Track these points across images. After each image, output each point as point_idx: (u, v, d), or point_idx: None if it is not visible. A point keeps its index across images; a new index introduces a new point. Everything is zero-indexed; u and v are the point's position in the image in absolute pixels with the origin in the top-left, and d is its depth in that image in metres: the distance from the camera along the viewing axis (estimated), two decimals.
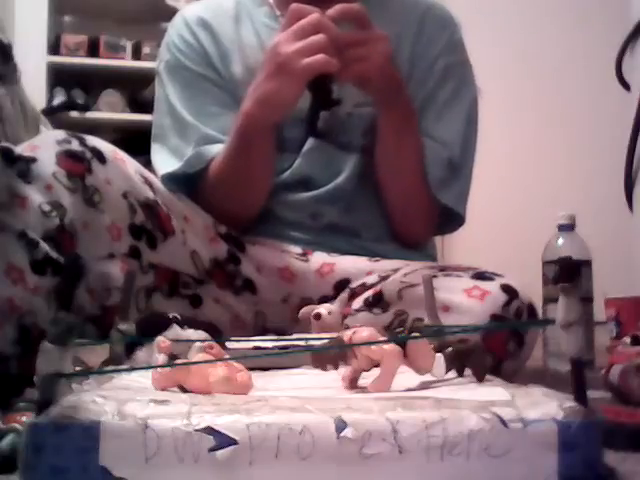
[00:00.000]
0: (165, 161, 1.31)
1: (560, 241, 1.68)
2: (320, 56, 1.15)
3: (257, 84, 1.21)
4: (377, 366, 0.70)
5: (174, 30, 1.39)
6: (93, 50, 3.23)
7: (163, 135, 1.35)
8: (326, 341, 0.80)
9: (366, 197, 1.33)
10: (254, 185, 1.29)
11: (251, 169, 1.27)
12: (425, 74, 1.35)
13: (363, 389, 0.71)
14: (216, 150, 1.29)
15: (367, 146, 1.31)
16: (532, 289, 1.20)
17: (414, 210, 1.33)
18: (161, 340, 0.76)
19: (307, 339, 0.93)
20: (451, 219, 1.37)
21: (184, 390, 0.68)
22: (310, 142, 1.32)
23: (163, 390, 0.68)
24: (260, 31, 1.36)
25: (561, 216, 1.69)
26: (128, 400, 0.57)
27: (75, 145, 1.13)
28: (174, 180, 1.29)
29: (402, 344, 0.71)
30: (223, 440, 0.53)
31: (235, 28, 1.37)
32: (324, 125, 1.30)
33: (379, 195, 1.33)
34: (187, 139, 1.31)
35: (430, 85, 1.35)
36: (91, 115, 3.21)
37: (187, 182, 1.30)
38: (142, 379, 0.72)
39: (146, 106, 2.71)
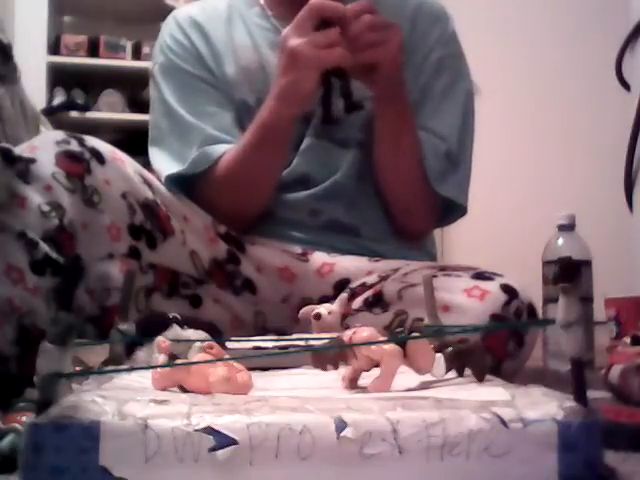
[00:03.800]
0: (167, 163, 1.31)
1: (560, 241, 1.68)
2: (334, 49, 1.16)
3: (275, 80, 1.22)
4: (377, 366, 0.70)
5: (167, 32, 1.39)
6: (93, 50, 3.23)
7: (161, 138, 1.35)
8: (326, 341, 0.80)
9: (365, 193, 1.33)
10: (265, 182, 1.29)
11: (266, 165, 1.28)
12: (419, 68, 1.35)
13: (363, 389, 0.71)
14: (222, 150, 1.29)
15: (364, 142, 1.32)
16: (532, 289, 1.20)
17: (415, 205, 1.33)
18: (161, 340, 0.76)
19: (307, 339, 0.93)
20: (453, 209, 1.37)
21: (184, 390, 0.68)
22: (307, 140, 1.32)
23: (163, 390, 0.68)
24: (252, 31, 1.36)
25: (561, 216, 1.69)
26: (128, 400, 0.57)
27: (74, 146, 1.13)
28: (177, 181, 1.29)
29: (402, 344, 0.71)
30: (223, 440, 0.53)
31: (227, 29, 1.37)
32: (336, 112, 1.29)
33: (378, 191, 1.33)
34: (188, 140, 1.31)
35: (425, 78, 1.36)
36: (91, 115, 3.21)
37: (188, 183, 1.30)
38: (142, 379, 0.72)
39: (146, 106, 2.69)
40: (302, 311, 1.01)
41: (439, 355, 0.75)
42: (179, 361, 0.70)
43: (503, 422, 0.55)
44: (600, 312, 1.55)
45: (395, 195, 1.33)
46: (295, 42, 1.17)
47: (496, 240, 2.94)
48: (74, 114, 3.16)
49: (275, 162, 1.29)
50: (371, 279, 1.23)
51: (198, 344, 0.74)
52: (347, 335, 0.73)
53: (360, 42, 1.18)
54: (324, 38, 1.17)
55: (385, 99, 1.26)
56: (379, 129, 1.29)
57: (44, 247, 1.06)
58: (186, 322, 0.89)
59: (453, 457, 0.54)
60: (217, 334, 0.91)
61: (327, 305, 1.01)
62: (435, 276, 1.09)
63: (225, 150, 1.29)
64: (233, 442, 0.53)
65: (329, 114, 1.27)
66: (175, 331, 0.85)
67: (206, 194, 1.30)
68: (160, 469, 0.53)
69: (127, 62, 3.25)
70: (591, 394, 0.58)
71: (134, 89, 3.20)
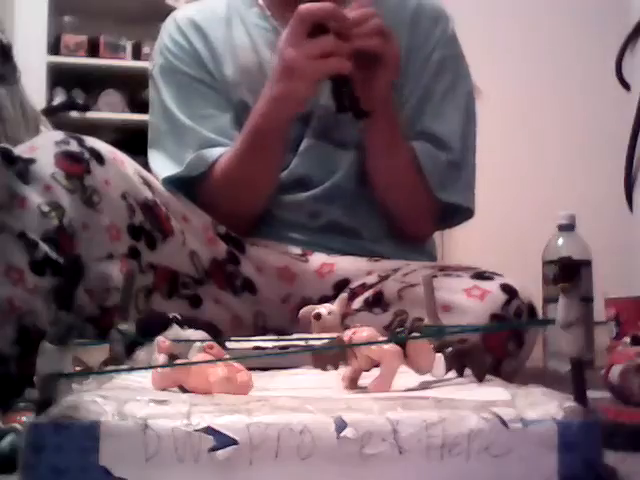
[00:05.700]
0: (164, 166, 1.31)
1: (560, 241, 1.68)
2: (329, 59, 1.15)
3: (269, 85, 1.22)
4: (377, 366, 0.70)
5: (166, 33, 1.38)
6: (93, 50, 3.23)
7: (159, 140, 1.35)
8: (326, 341, 0.80)
9: (365, 195, 1.33)
10: (262, 184, 1.29)
11: (262, 167, 1.27)
12: (420, 68, 1.35)
13: (363, 389, 0.71)
14: (218, 152, 1.29)
15: (363, 143, 1.31)
16: (532, 289, 1.20)
17: (416, 212, 1.33)
18: (161, 340, 0.76)
19: (307, 339, 0.93)
20: (458, 212, 1.37)
21: (184, 390, 0.68)
22: (306, 141, 1.32)
23: (163, 390, 0.68)
24: (252, 32, 1.36)
25: (561, 216, 1.70)
26: (128, 400, 0.57)
27: (74, 146, 1.13)
28: (174, 184, 1.29)
29: (402, 344, 0.71)
30: (223, 440, 0.53)
31: (226, 30, 1.37)
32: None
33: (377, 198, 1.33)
34: (185, 143, 1.31)
35: (426, 79, 1.35)
36: (91, 115, 3.21)
37: (186, 186, 1.30)
38: (142, 379, 0.72)
39: (146, 106, 2.68)
40: (302, 311, 1.01)
41: (439, 355, 0.75)
42: (179, 361, 0.70)
43: (503, 422, 0.55)
44: (600, 312, 1.55)
45: (393, 205, 1.33)
46: (290, 55, 1.17)
47: (496, 240, 2.94)
48: (74, 114, 3.16)
49: (271, 164, 1.29)
50: (371, 279, 1.23)
51: (198, 344, 0.74)
52: (347, 335, 0.73)
53: (366, 28, 1.17)
54: (318, 48, 1.16)
55: (379, 109, 1.25)
56: (371, 141, 1.28)
57: (44, 247, 1.06)
58: (186, 322, 0.89)
59: (453, 457, 0.54)
60: (217, 334, 0.91)
61: (327, 305, 1.01)
62: (435, 276, 1.09)
63: (221, 153, 1.29)
64: (233, 442, 0.53)
65: (342, 103, 1.24)
66: (175, 331, 0.85)
67: (204, 197, 1.30)
68: (160, 469, 0.53)
69: (127, 62, 3.25)
70: (591, 394, 0.58)
71: (134, 89, 3.20)
